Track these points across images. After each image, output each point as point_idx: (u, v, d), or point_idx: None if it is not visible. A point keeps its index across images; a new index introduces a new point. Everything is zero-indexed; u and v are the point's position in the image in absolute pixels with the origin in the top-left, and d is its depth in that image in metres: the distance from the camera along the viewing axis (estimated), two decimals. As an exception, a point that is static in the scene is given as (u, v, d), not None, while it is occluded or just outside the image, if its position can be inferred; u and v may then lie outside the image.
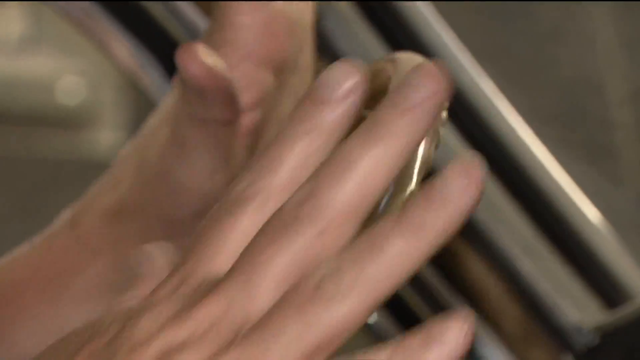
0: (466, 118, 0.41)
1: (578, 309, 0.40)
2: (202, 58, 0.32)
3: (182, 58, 0.32)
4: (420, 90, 0.20)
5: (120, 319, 0.20)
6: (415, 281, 0.44)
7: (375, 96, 0.26)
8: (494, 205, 0.44)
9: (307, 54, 0.38)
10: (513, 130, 0.45)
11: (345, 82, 0.20)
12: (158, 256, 0.23)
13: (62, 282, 0.39)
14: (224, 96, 0.34)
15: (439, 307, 0.45)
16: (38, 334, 0.39)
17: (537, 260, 0.40)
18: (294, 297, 0.19)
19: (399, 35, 0.43)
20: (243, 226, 0.20)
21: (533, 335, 0.40)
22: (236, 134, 0.36)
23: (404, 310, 0.43)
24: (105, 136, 2.00)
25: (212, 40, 0.36)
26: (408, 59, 0.27)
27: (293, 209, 0.20)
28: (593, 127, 1.37)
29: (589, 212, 0.44)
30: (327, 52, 0.42)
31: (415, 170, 0.22)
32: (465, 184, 0.19)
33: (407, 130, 0.20)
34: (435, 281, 0.43)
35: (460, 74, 0.42)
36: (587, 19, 1.44)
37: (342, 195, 0.20)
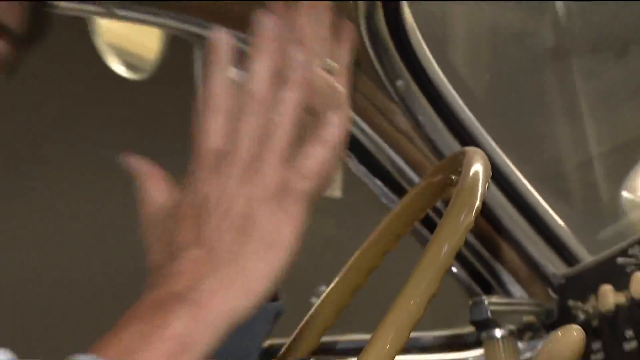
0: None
1: (554, 266, 0.81)
2: None
3: None
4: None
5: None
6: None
7: (453, 171, 0.59)
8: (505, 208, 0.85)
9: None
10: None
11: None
12: None
13: None
14: None
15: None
16: None
17: (532, 242, 0.82)
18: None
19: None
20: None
21: (533, 279, 0.80)
22: None
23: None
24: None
25: None
26: (473, 152, 0.61)
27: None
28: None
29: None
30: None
31: None
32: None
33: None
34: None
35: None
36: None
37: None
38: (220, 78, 0.35)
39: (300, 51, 0.37)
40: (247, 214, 0.33)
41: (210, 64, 0.36)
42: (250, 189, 0.33)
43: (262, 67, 0.35)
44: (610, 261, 0.75)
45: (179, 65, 0.82)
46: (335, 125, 0.36)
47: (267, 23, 0.36)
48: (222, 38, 0.36)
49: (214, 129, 0.35)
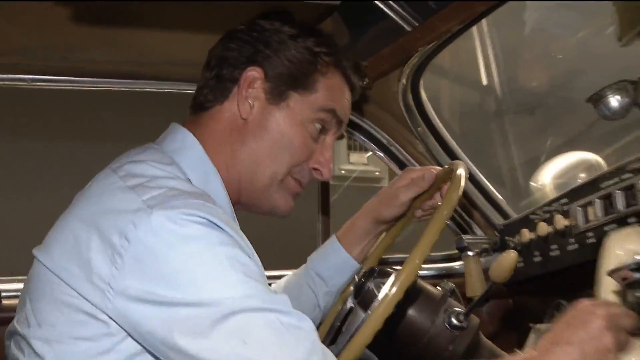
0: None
1: (497, 220, 1.60)
2: None
3: None
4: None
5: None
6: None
7: (449, 172, 1.28)
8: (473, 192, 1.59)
9: None
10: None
11: None
12: None
13: None
14: None
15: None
16: None
17: (487, 208, 1.57)
18: None
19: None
20: None
21: (487, 226, 1.56)
22: None
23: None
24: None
25: None
26: (458, 163, 1.30)
27: None
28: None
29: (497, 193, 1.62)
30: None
31: None
32: None
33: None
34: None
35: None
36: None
37: None
38: None
39: None
40: None
41: None
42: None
43: None
44: (526, 217, 1.48)
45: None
46: None
47: None
48: None
49: None
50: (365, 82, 1.30)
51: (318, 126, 1.12)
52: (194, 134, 1.08)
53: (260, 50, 1.10)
